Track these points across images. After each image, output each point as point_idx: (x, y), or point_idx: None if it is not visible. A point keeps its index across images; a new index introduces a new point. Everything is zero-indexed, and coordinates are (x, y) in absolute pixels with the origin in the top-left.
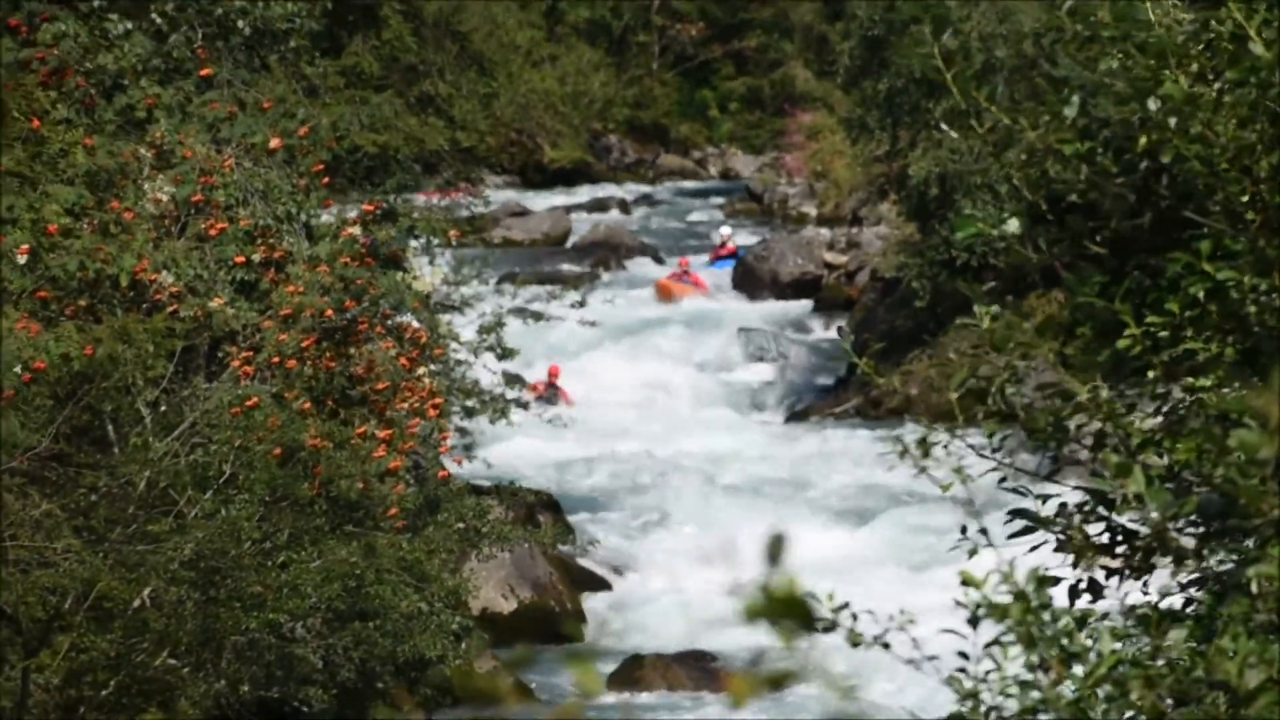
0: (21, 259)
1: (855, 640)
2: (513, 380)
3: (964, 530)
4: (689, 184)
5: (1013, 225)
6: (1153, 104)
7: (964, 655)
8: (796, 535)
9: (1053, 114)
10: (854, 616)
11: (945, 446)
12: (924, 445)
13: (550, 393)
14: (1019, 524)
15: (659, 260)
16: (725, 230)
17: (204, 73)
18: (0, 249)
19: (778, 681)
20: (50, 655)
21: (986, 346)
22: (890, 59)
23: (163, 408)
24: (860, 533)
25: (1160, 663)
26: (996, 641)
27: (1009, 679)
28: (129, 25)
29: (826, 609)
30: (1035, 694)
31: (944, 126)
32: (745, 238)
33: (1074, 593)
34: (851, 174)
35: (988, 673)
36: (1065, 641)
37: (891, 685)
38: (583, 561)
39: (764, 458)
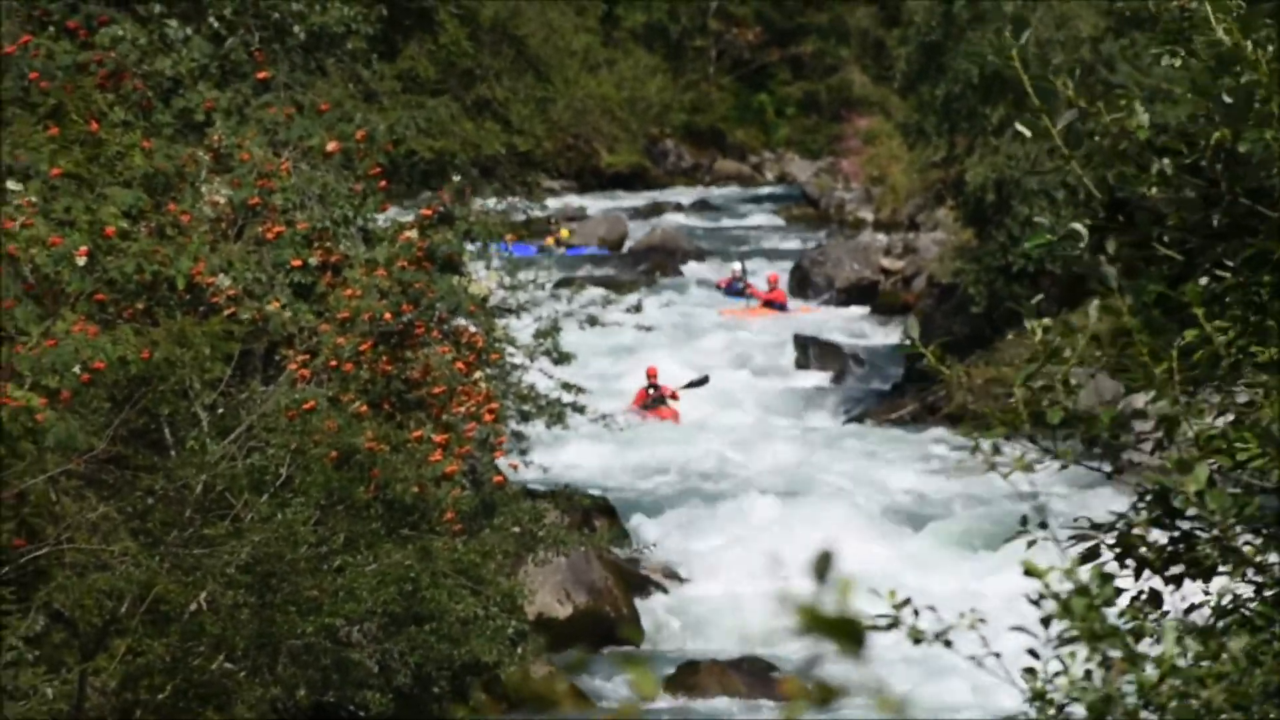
0: (80, 261)
1: (916, 637)
2: (572, 387)
3: (1024, 521)
4: (745, 189)
5: (1082, 236)
6: (1227, 97)
7: (1033, 654)
8: (853, 541)
9: (1124, 112)
10: (915, 613)
11: (1007, 438)
12: (996, 436)
13: (653, 396)
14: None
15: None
16: (736, 266)
17: (261, 76)
18: (59, 251)
19: (825, 697)
20: (107, 658)
21: (1040, 357)
22: (947, 64)
23: (219, 410)
24: (917, 538)
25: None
26: (1067, 640)
27: (1078, 681)
28: (188, 31)
29: (888, 605)
30: (1097, 692)
31: (1017, 125)
32: (797, 243)
33: (1135, 606)
34: (908, 179)
35: (1056, 674)
36: (1129, 640)
37: (946, 694)
38: (638, 566)
39: (821, 463)
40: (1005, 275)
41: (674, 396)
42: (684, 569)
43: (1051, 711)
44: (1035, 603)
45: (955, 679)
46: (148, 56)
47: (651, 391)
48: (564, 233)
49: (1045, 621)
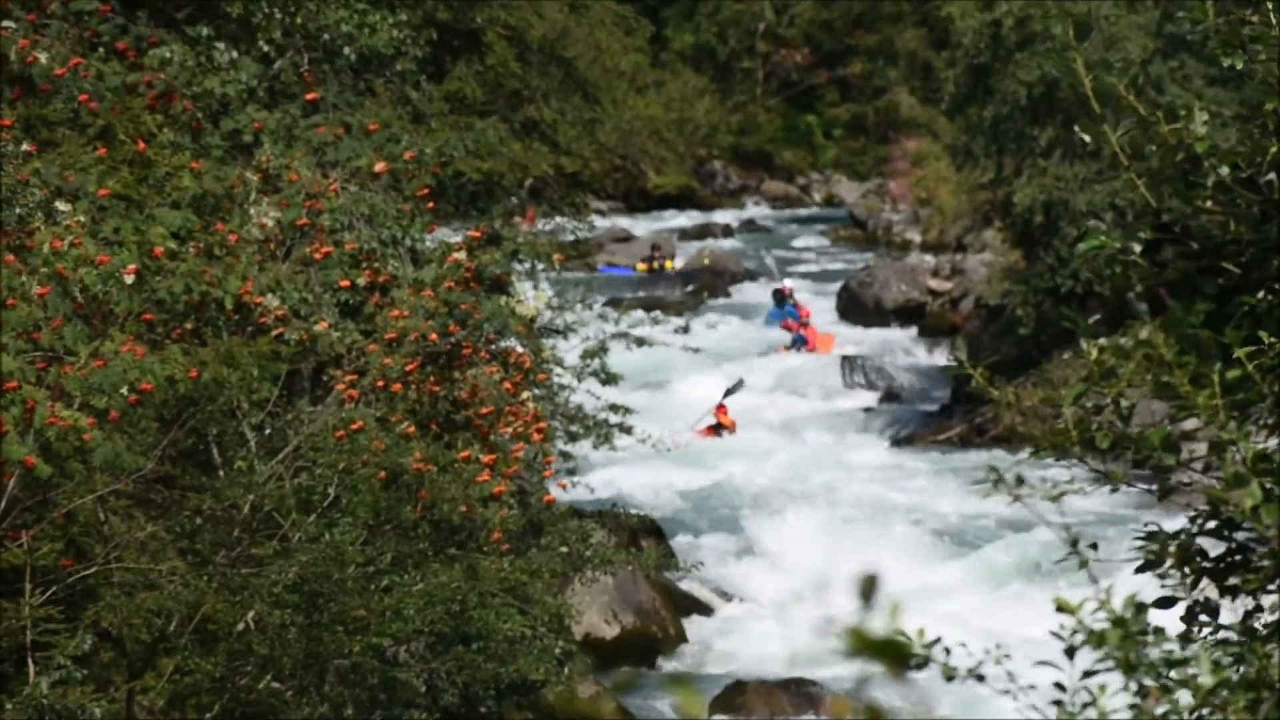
0: (129, 279)
1: (949, 675)
2: (619, 408)
3: (1074, 544)
4: (793, 210)
5: (1136, 242)
6: None
7: (1060, 687)
8: (901, 563)
9: (1187, 111)
10: (947, 651)
11: (1056, 460)
12: (1027, 462)
13: (719, 433)
14: (1137, 555)
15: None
16: (788, 284)
17: (310, 97)
18: (107, 270)
19: (873, 718)
20: (155, 677)
21: (1094, 376)
22: (995, 86)
23: (267, 431)
24: (964, 561)
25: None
26: (1092, 673)
27: (1107, 713)
28: (235, 54)
29: (918, 645)
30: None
31: (1077, 129)
32: (845, 264)
33: (1191, 615)
34: (956, 201)
35: (1085, 705)
36: (1165, 671)
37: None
38: (685, 586)
39: (868, 484)
40: (1053, 297)
41: (729, 420)
42: (731, 589)
43: None
44: (1059, 636)
45: (1002, 700)
46: (197, 78)
47: (717, 432)
48: (668, 264)
49: (1070, 653)
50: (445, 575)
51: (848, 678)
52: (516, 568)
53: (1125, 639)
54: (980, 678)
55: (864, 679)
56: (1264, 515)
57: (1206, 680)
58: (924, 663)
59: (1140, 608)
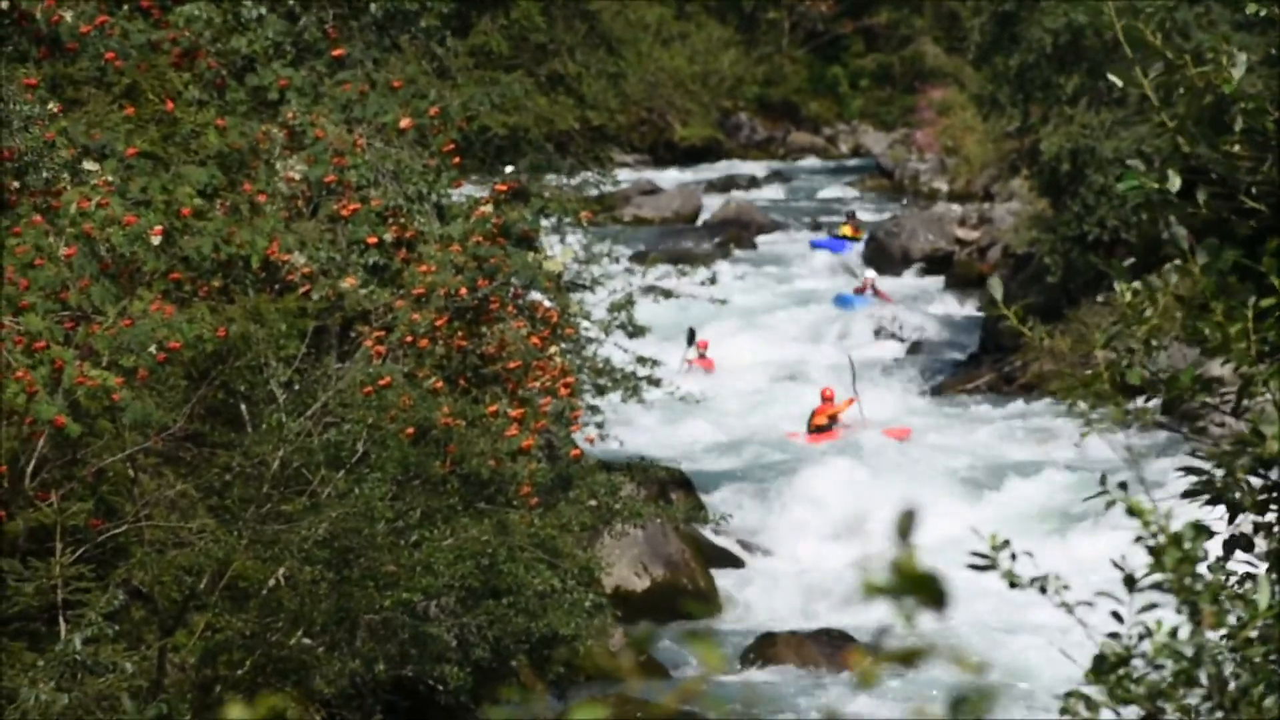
0: (155, 240)
1: (1012, 581)
2: (646, 361)
3: (1103, 480)
4: (820, 161)
5: (1174, 182)
6: None
7: (1117, 617)
8: (929, 510)
9: (1216, 54)
10: (1013, 557)
11: (1092, 407)
12: (1077, 398)
13: (829, 421)
14: (1186, 481)
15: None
16: (870, 273)
17: (336, 53)
18: (134, 230)
19: (907, 658)
20: (186, 635)
21: (1128, 318)
22: (1021, 34)
23: (296, 387)
24: (993, 507)
25: None
26: (1151, 606)
27: (1162, 645)
28: (263, 10)
29: (986, 547)
30: (1188, 650)
31: (1109, 76)
32: (874, 215)
33: (1229, 546)
34: (983, 150)
35: (1141, 637)
36: (1221, 596)
37: (1019, 661)
38: (715, 538)
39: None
40: (1081, 245)
41: (834, 417)
42: (760, 540)
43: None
44: (1119, 566)
45: (1030, 651)
46: (222, 35)
47: (829, 416)
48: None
49: (1129, 582)
50: (475, 530)
51: (880, 626)
52: (546, 522)
53: (1182, 561)
54: (1043, 589)
55: (886, 628)
56: None
57: (1265, 600)
58: (991, 565)
59: (1200, 529)
